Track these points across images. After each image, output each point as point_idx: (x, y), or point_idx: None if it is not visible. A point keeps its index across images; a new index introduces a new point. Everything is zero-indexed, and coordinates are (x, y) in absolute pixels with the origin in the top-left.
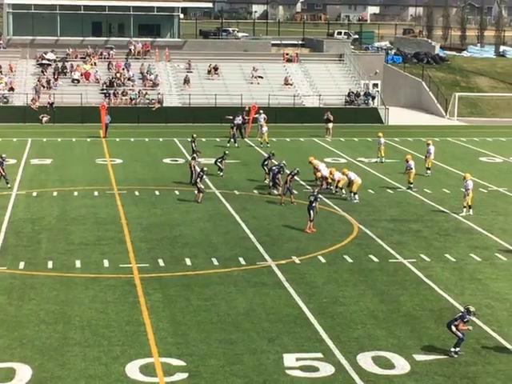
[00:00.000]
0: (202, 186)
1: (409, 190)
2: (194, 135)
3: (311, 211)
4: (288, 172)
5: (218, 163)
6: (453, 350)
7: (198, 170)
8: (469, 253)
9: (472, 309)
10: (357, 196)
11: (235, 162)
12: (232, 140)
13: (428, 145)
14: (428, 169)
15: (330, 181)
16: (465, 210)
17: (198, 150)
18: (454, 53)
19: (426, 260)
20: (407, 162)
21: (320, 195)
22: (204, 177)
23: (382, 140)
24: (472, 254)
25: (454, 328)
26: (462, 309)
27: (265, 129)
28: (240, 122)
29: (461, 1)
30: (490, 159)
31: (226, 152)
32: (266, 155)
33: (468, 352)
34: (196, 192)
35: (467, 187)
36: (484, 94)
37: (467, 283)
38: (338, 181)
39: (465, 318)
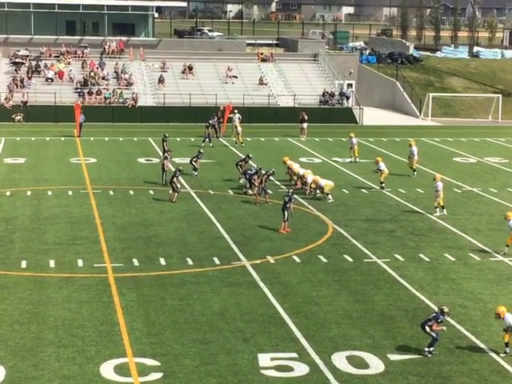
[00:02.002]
0: (179, 186)
1: (383, 190)
2: (166, 135)
3: (285, 211)
4: (264, 172)
5: (193, 162)
6: (427, 349)
7: (173, 169)
8: (443, 253)
9: (446, 309)
10: (330, 196)
11: (210, 162)
12: (207, 140)
13: (410, 146)
14: (414, 170)
15: (304, 180)
16: (438, 210)
17: (169, 150)
18: (428, 53)
19: (400, 260)
20: (377, 163)
21: (295, 195)
22: (179, 177)
23: (355, 140)
24: (446, 254)
25: (427, 328)
26: (436, 309)
27: (239, 129)
28: (215, 122)
29: (435, 1)
30: (463, 159)
31: (201, 151)
32: (242, 156)
33: (442, 352)
34: (171, 191)
35: (437, 188)
36: (458, 95)
37: (441, 283)
38: (311, 183)
39: (439, 319)
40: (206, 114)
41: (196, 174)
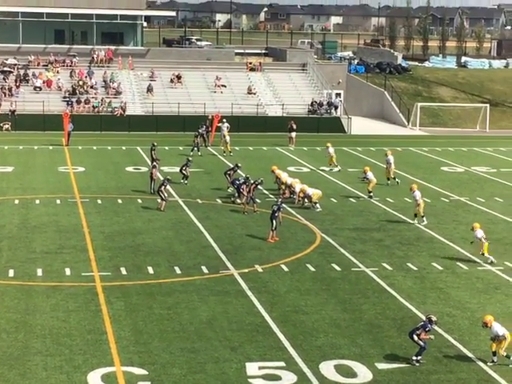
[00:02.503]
0: (166, 195)
1: (371, 200)
2: (155, 143)
3: (274, 220)
4: (252, 181)
5: (183, 171)
6: (414, 358)
7: (162, 178)
8: (430, 262)
9: (434, 318)
10: (318, 205)
11: (198, 171)
12: (195, 149)
13: (386, 155)
14: (394, 178)
15: (292, 189)
16: (424, 218)
17: (158, 158)
18: (416, 63)
19: (388, 269)
20: (365, 173)
21: (283, 204)
22: (167, 186)
23: (331, 149)
24: (434, 263)
25: (415, 337)
26: (423, 317)
27: (228, 138)
28: (204, 131)
29: (423, 11)
30: (451, 169)
31: (190, 159)
32: (230, 165)
33: (429, 360)
34: (159, 200)
35: (416, 197)
36: (446, 105)
37: (429, 292)
38: (299, 192)
39: (426, 328)
40: (194, 123)
41: (186, 182)
